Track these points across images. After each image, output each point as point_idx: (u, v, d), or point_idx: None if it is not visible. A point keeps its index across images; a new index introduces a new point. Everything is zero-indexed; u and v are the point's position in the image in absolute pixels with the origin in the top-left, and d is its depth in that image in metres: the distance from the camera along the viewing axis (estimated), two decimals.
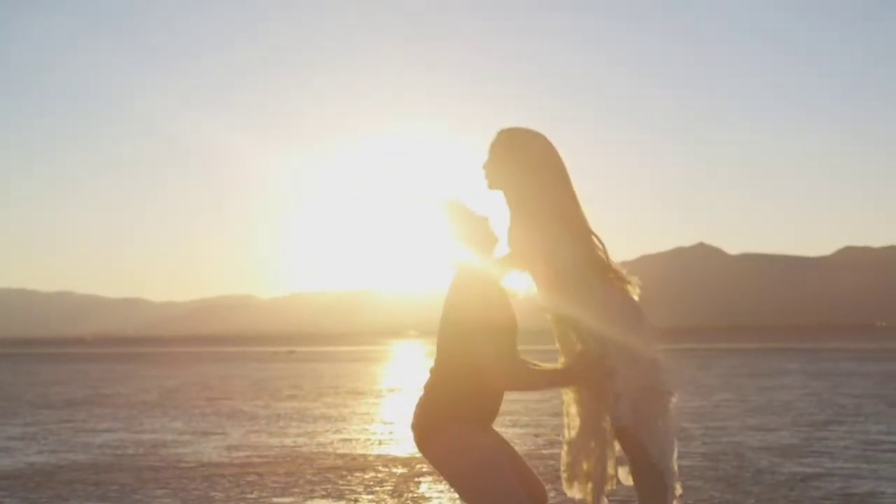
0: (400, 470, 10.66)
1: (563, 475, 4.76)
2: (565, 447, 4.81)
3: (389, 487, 9.50)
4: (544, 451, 11.86)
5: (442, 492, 9.00)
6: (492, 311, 4.29)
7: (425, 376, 4.52)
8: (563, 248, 4.47)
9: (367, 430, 15.27)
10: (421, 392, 4.45)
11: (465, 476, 4.24)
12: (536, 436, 13.66)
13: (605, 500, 4.72)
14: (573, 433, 4.77)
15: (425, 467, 10.70)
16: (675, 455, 4.59)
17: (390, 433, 14.69)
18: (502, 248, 4.58)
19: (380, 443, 13.48)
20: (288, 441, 13.75)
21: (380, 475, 10.32)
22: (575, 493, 4.73)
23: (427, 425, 4.34)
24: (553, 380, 4.52)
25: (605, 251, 4.63)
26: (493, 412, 4.46)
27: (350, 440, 13.79)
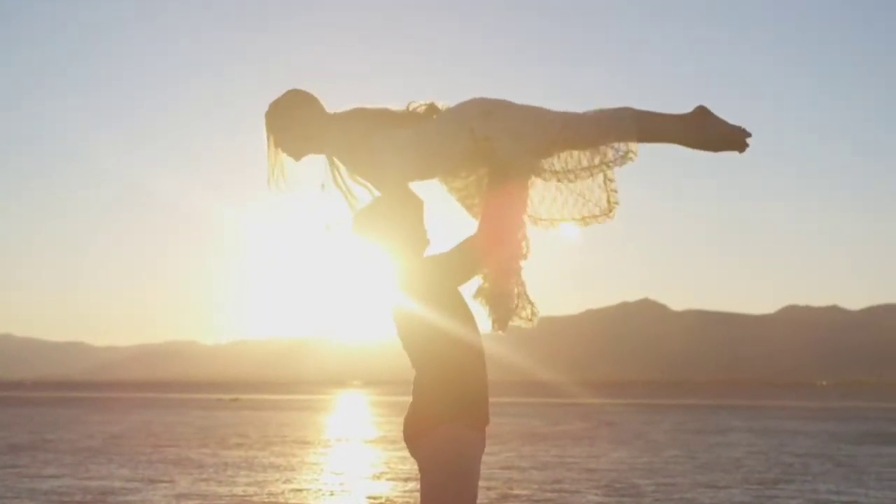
0: None
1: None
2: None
3: None
4: None
5: None
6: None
7: (414, 380, 4.46)
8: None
9: (317, 480, 15.16)
10: (413, 393, 4.40)
11: (440, 481, 4.21)
12: (489, 489, 13.63)
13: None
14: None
15: None
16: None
17: (341, 484, 14.60)
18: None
19: (331, 493, 13.39)
20: (238, 490, 13.63)
21: None
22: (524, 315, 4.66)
23: (421, 423, 4.31)
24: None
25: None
26: (484, 411, 4.41)
27: (301, 490, 13.69)
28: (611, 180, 4.60)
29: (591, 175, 4.60)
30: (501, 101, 4.55)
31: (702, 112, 4.47)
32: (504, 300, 4.59)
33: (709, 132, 4.44)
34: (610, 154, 4.55)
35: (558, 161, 4.62)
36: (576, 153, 4.59)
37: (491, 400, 4.50)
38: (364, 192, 4.64)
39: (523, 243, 4.64)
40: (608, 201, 4.61)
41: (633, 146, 4.52)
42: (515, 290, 4.62)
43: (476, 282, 4.63)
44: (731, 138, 4.44)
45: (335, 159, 4.71)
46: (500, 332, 4.65)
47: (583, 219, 4.68)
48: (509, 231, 4.56)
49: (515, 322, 4.67)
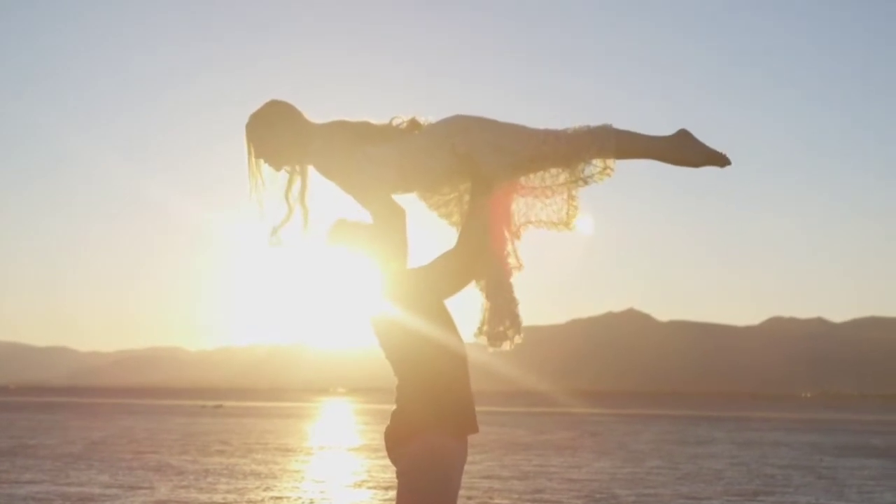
0: None
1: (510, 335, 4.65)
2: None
3: None
4: None
5: None
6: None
7: (396, 388, 4.44)
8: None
9: (298, 488, 15.11)
10: (395, 404, 4.38)
11: (418, 489, 4.19)
12: (469, 498, 13.61)
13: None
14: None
15: None
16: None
17: (322, 492, 14.55)
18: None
19: (311, 501, 13.34)
20: (217, 497, 13.57)
21: None
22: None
23: (404, 430, 4.28)
24: (474, 231, 4.51)
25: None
26: (468, 420, 4.38)
27: (281, 498, 13.64)
28: (573, 198, 4.60)
29: (567, 190, 4.61)
30: (482, 119, 4.56)
31: (684, 135, 4.48)
32: (500, 317, 4.58)
33: (690, 152, 4.44)
34: (586, 170, 4.54)
35: (535, 176, 4.62)
36: (552, 169, 4.59)
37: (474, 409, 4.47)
38: (316, 206, 4.66)
39: (510, 259, 4.64)
40: (567, 214, 4.61)
41: (611, 162, 4.51)
42: (514, 308, 4.61)
43: (476, 297, 4.63)
44: (714, 157, 4.44)
45: (299, 170, 4.71)
46: (491, 349, 4.64)
47: (538, 222, 4.68)
48: (495, 244, 4.56)
49: (507, 345, 4.63)
